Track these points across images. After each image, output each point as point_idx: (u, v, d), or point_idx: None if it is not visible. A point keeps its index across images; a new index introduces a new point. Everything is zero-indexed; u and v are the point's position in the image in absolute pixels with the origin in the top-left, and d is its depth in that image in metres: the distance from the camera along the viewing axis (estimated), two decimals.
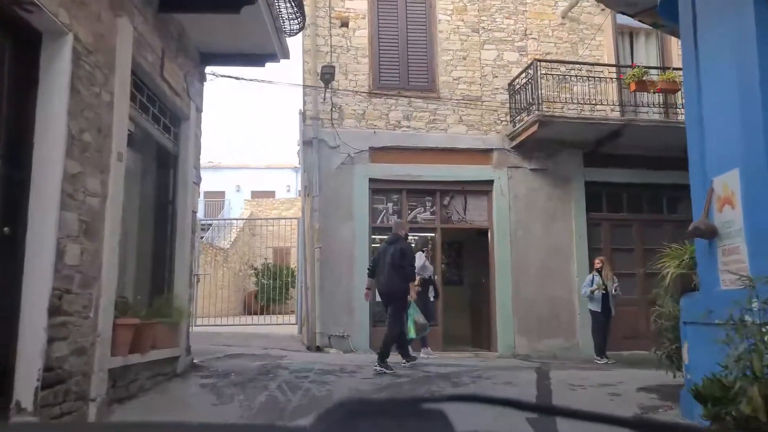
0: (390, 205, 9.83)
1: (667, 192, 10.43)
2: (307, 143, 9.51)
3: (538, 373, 6.89)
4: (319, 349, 9.05)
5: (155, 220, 6.06)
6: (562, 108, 9.23)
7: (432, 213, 9.88)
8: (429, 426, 0.57)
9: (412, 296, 7.25)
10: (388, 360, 6.64)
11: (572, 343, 9.58)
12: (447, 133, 9.88)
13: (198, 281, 10.56)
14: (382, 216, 9.79)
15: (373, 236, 9.67)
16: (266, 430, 0.93)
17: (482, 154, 9.89)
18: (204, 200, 28.33)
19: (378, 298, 7.65)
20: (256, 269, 22.25)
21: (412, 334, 7.18)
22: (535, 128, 9.04)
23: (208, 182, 30.01)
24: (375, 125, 9.72)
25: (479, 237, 10.45)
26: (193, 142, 6.40)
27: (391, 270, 6.87)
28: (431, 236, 9.93)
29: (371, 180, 9.61)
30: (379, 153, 9.66)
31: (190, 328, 6.64)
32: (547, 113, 9.04)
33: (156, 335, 5.45)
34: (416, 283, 7.74)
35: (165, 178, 6.16)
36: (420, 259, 8.31)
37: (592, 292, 8.71)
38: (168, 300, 5.75)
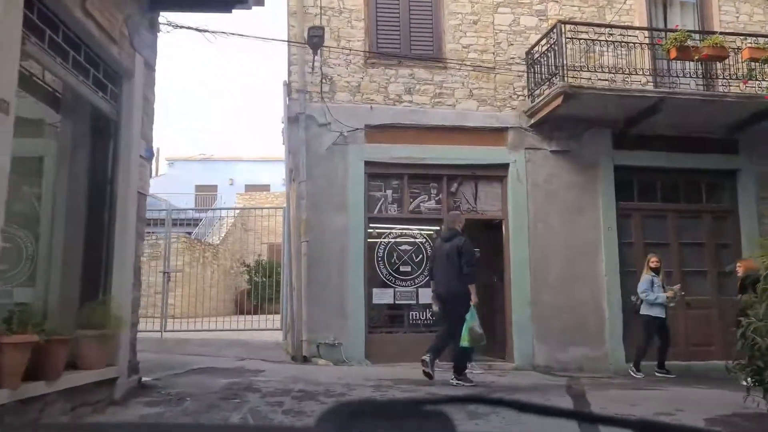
0: (389, 192, 8.51)
1: (708, 178, 9.11)
2: (292, 120, 8.19)
3: (571, 395, 5.57)
4: (306, 359, 7.74)
5: (88, 205, 4.76)
6: (589, 79, 7.89)
7: (437, 202, 8.56)
8: (430, 426, 0.60)
9: (474, 300, 6.19)
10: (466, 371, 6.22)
11: (600, 353, 8.26)
12: (455, 109, 8.55)
13: (169, 280, 9.25)
14: (380, 205, 8.46)
15: (370, 228, 8.36)
16: (270, 430, 0.97)
17: (496, 134, 8.56)
18: (195, 194, 27.13)
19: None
20: (248, 266, 20.99)
21: (465, 343, 6.16)
22: (558, 102, 7.71)
23: (200, 176, 28.79)
24: (371, 100, 8.39)
25: (489, 230, 9.13)
26: (141, 105, 5.08)
27: (448, 270, 6.14)
28: (435, 230, 8.60)
29: (367, 163, 8.29)
30: (377, 132, 8.34)
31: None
32: (573, 84, 7.71)
33: (80, 353, 4.15)
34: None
35: (102, 152, 4.85)
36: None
37: (671, 297, 7.67)
38: (101, 306, 4.44)
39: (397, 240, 8.45)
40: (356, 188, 8.19)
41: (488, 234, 11.40)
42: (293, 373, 6.50)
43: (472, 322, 6.14)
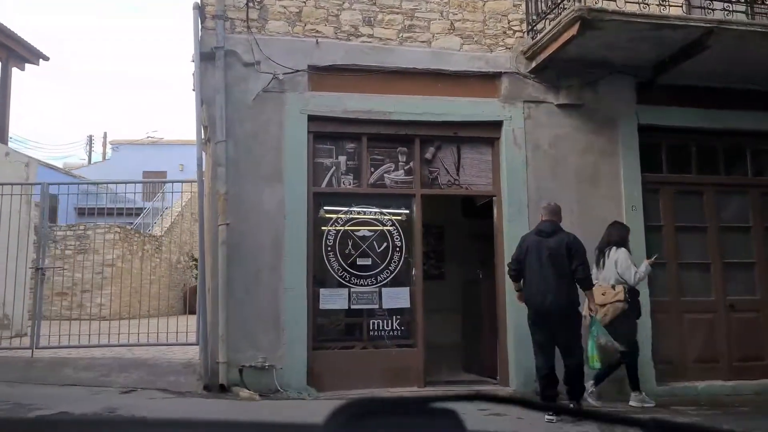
0: (342, 159, 6.31)
1: (754, 143, 7.10)
2: (206, 57, 5.92)
3: None
4: (223, 389, 5.53)
5: None
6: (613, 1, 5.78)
7: (408, 173, 6.39)
8: (439, 424, 0.58)
9: (593, 309, 5.15)
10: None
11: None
12: (431, 47, 6.37)
13: (44, 277, 6.90)
14: (329, 176, 6.26)
15: (318, 208, 6.17)
16: (278, 428, 0.77)
17: (485, 82, 6.43)
18: (143, 184, 24.45)
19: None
20: (197, 260, 18.60)
21: (597, 363, 5.15)
22: (573, 32, 5.59)
23: (148, 161, 26.11)
24: (318, 32, 6.17)
25: (475, 210, 7.01)
26: None
27: (555, 275, 4.97)
28: (404, 213, 6.43)
29: (312, 119, 6.09)
30: (325, 76, 6.13)
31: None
32: (594, 7, 5.61)
33: None
34: (619, 293, 5.54)
35: None
36: (625, 258, 5.66)
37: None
38: None
39: (354, 224, 6.27)
40: (296, 153, 5.98)
41: (462, 202, 9.31)
42: (193, 415, 4.26)
43: (598, 333, 5.08)
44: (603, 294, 5.53)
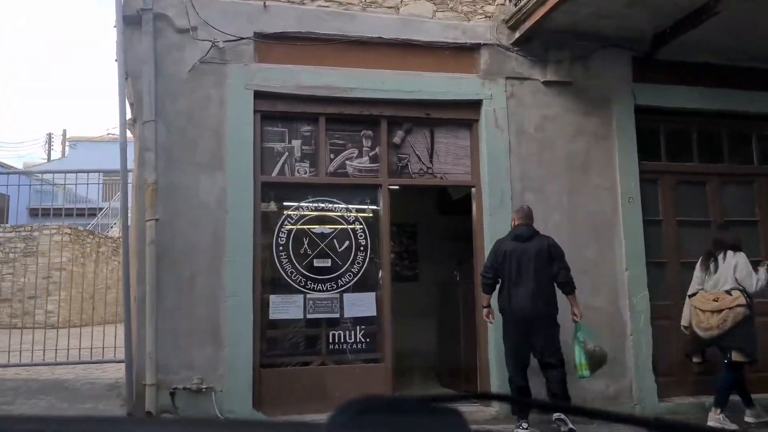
0: (297, 143, 5.41)
1: (760, 127, 6.37)
2: (131, 22, 4.97)
3: None
4: (150, 416, 4.58)
5: None
6: None
7: (373, 159, 5.52)
8: (443, 422, 0.57)
9: (577, 314, 4.75)
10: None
11: (620, 386, 5.41)
12: (399, 14, 5.51)
13: None
14: (281, 163, 5.35)
15: (265, 200, 5.27)
16: (281, 427, 0.85)
17: (461, 55, 5.59)
18: (101, 182, 23.17)
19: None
20: None
21: (584, 371, 4.66)
22: None
23: (107, 158, 24.75)
24: None
25: (451, 203, 6.19)
26: None
27: (537, 281, 4.64)
28: (370, 206, 5.56)
29: (260, 95, 5.18)
30: (274, 46, 5.23)
31: None
32: None
33: None
34: (739, 298, 4.86)
35: None
36: (745, 264, 5.00)
37: None
38: None
39: (311, 219, 5.38)
40: (240, 135, 5.07)
41: (437, 199, 8.56)
42: None
43: (587, 343, 4.63)
44: (715, 300, 4.91)
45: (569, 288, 4.67)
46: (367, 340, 5.32)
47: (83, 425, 0.66)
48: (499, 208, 5.41)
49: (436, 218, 9.67)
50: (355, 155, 5.49)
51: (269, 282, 5.19)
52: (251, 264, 4.95)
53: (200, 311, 4.80)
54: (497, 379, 5.20)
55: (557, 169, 5.60)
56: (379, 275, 5.40)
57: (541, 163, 5.57)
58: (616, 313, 5.51)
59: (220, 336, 4.80)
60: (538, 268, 4.61)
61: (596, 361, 4.68)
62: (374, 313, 5.34)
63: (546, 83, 5.65)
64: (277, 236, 5.24)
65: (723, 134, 6.24)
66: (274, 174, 5.29)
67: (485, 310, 4.91)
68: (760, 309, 5.81)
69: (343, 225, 5.40)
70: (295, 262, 5.24)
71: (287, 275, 5.21)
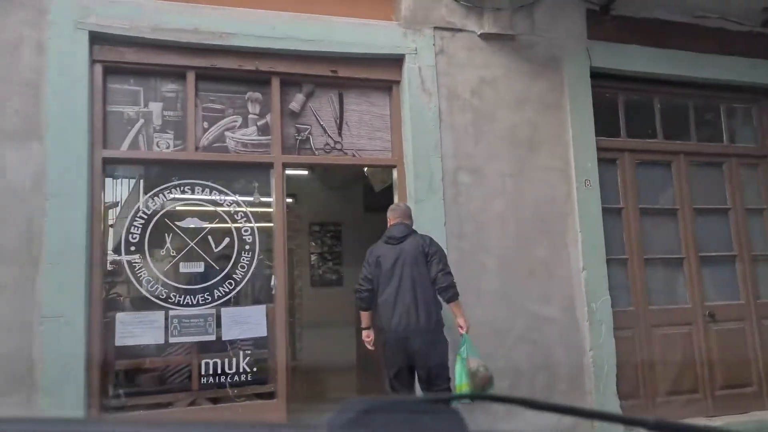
0: (157, 107, 4.01)
1: (730, 98, 5.46)
2: None
3: None
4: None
5: None
6: None
7: (262, 130, 4.20)
8: (443, 423, 0.57)
9: (463, 325, 3.70)
10: None
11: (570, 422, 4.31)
12: None
13: None
14: (134, 133, 3.94)
15: (113, 183, 3.86)
16: (283, 428, 0.85)
17: None
18: None
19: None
20: None
21: (464, 387, 3.61)
22: None
23: None
24: None
25: (366, 188, 4.97)
26: None
27: (413, 290, 3.66)
28: (258, 190, 4.24)
29: (99, 39, 3.78)
30: None
31: None
32: None
33: None
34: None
35: None
36: None
37: None
38: None
39: (176, 210, 4.00)
40: (69, 93, 3.64)
41: (363, 195, 7.42)
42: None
43: (471, 360, 3.64)
44: None
45: (451, 294, 3.68)
46: (255, 369, 4.00)
47: (83, 426, 0.66)
48: (427, 193, 4.21)
49: (363, 216, 8.49)
50: (237, 124, 4.15)
51: (114, 295, 3.80)
52: (84, 271, 3.54)
53: (3, 339, 3.35)
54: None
55: (499, 144, 4.46)
56: (272, 283, 4.10)
57: (479, 138, 4.42)
58: (572, 324, 4.42)
59: (34, 369, 3.37)
60: (415, 274, 3.69)
61: (478, 383, 3.76)
62: (264, 333, 4.03)
63: (484, 37, 4.49)
64: (128, 232, 3.84)
65: (690, 106, 5.28)
66: (123, 147, 3.88)
67: (364, 333, 3.90)
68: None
69: (222, 217, 4.06)
70: (153, 267, 3.85)
71: (141, 285, 3.82)
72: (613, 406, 4.37)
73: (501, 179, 4.42)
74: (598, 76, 4.80)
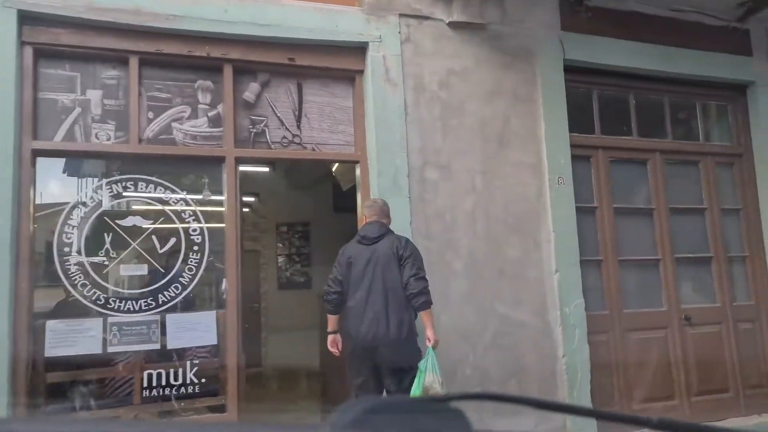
0: (96, 94, 3.67)
1: (705, 95, 5.30)
2: None
3: None
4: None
5: None
6: None
7: (214, 122, 3.89)
8: (447, 423, 0.57)
9: (430, 338, 3.34)
10: None
11: (552, 427, 4.07)
12: None
13: None
14: (70, 123, 3.60)
15: (44, 178, 3.51)
16: (284, 429, 0.74)
17: None
18: None
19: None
20: None
21: None
22: None
23: None
24: None
25: (326, 186, 4.70)
26: None
27: (384, 294, 3.35)
28: (208, 187, 3.93)
29: (28, 19, 3.44)
30: None
31: None
32: None
33: None
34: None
35: None
36: None
37: None
38: None
39: (117, 207, 3.67)
40: None
41: (333, 194, 7.17)
42: None
43: (428, 375, 3.27)
44: None
45: (422, 302, 3.33)
46: (203, 380, 3.68)
47: (82, 426, 0.65)
48: (391, 190, 3.94)
49: (332, 216, 8.21)
50: (186, 115, 3.83)
51: (45, 300, 3.44)
52: (9, 273, 3.19)
53: None
54: None
55: (468, 139, 4.21)
56: (223, 287, 3.79)
57: (447, 132, 4.17)
58: (544, 329, 4.20)
59: None
60: (387, 278, 3.37)
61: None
62: (214, 341, 3.72)
63: (452, 25, 4.25)
64: (61, 231, 3.49)
65: (665, 103, 5.11)
66: (57, 138, 3.53)
67: (330, 338, 3.60)
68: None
69: (168, 215, 3.73)
70: (89, 270, 3.51)
71: (76, 289, 3.47)
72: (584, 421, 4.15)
73: (470, 176, 4.18)
74: (571, 69, 4.60)
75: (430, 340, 3.34)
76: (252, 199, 8.17)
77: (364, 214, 3.66)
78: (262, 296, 9.04)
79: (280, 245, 8.96)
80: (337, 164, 4.75)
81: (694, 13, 4.96)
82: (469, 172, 4.18)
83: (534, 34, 4.46)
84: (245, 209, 8.38)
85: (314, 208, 8.62)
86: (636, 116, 4.97)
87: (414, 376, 3.30)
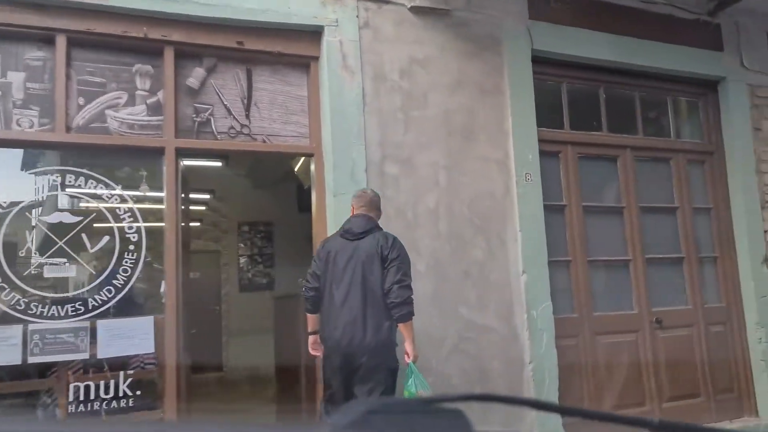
0: (18, 77, 3.32)
1: (675, 91, 5.15)
2: None
3: None
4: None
5: None
6: None
7: (153, 110, 3.56)
8: (447, 424, 0.57)
9: (410, 353, 3.07)
10: None
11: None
12: None
13: None
14: None
15: None
16: (285, 428, 0.75)
17: None
18: None
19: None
20: None
21: None
22: None
23: None
24: None
25: (279, 180, 4.43)
26: None
27: (364, 297, 3.04)
28: (147, 188, 3.60)
29: None
30: None
31: None
32: None
33: None
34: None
35: None
36: None
37: None
38: None
39: (42, 202, 3.32)
40: None
41: (297, 193, 6.90)
42: None
43: (418, 389, 2.99)
44: None
45: (403, 313, 3.02)
46: (138, 392, 3.35)
47: (82, 426, 0.63)
48: (348, 185, 3.66)
49: (297, 215, 7.91)
50: (122, 102, 3.50)
51: None
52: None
53: None
54: None
55: (431, 132, 3.96)
56: (162, 289, 3.46)
57: (409, 124, 3.91)
58: (510, 334, 3.96)
59: None
60: (368, 278, 3.06)
61: None
62: (152, 349, 3.39)
63: (414, 10, 3.99)
64: None
65: (636, 98, 4.94)
66: None
67: (310, 339, 3.28)
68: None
69: (100, 211, 3.39)
70: (8, 271, 3.16)
71: None
72: (555, 422, 3.93)
73: (433, 171, 3.93)
74: (540, 61, 4.38)
75: (409, 356, 3.04)
76: (207, 196, 7.80)
77: (351, 204, 3.33)
78: (223, 298, 8.69)
79: (242, 245, 8.62)
80: (300, 162, 4.46)
81: (665, 5, 4.80)
82: (432, 167, 3.92)
83: (501, 22, 4.23)
84: (202, 207, 8.02)
85: (278, 208, 8.32)
86: (606, 111, 4.78)
87: (386, 388, 3.00)
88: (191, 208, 8.01)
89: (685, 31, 4.91)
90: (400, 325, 3.04)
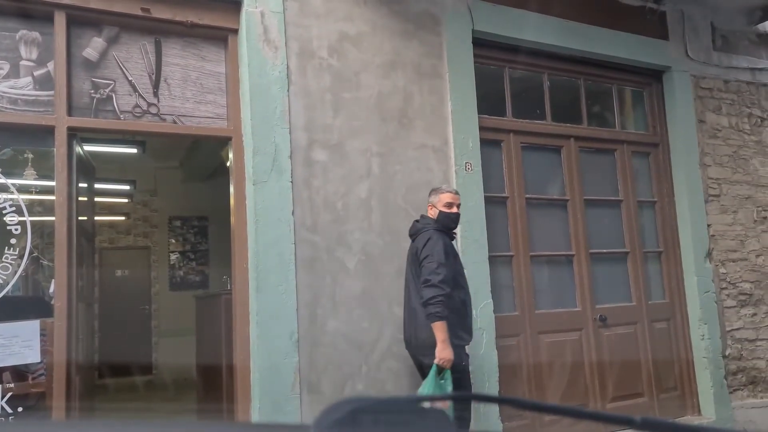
0: None
1: (620, 80, 4.99)
2: None
3: None
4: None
5: None
6: None
7: (41, 83, 3.10)
8: (430, 423, 0.57)
9: (436, 355, 2.94)
10: None
11: None
12: None
13: None
14: None
15: None
16: (269, 429, 0.83)
17: None
18: None
19: None
20: None
21: None
22: None
23: None
24: None
25: (202, 172, 4.05)
26: None
27: (410, 296, 3.22)
28: (32, 174, 3.14)
29: None
30: None
31: None
32: None
33: None
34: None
35: None
36: None
37: None
38: None
39: None
40: None
41: (225, 186, 6.49)
42: None
43: (432, 391, 2.88)
44: None
45: (427, 313, 3.00)
46: (21, 408, 2.91)
47: (81, 427, 0.63)
48: (269, 173, 3.30)
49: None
50: (4, 73, 3.03)
51: None
52: None
53: None
54: (260, 414, 3.12)
55: (364, 116, 3.63)
56: (51, 290, 3.02)
57: (339, 107, 3.57)
58: None
59: None
60: (410, 281, 3.24)
61: None
62: (37, 358, 2.95)
63: None
64: None
65: (581, 86, 4.75)
66: None
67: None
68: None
69: None
70: None
71: None
72: (495, 426, 3.69)
73: (366, 158, 3.60)
74: (481, 44, 4.12)
75: (440, 359, 2.94)
76: (127, 187, 7.25)
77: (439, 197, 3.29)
78: (153, 297, 8.16)
79: (173, 241, 8.10)
80: (231, 154, 4.04)
81: None
82: (365, 154, 3.60)
83: (440, 0, 3.94)
84: (125, 200, 7.47)
85: (213, 201, 7.83)
86: (550, 99, 4.57)
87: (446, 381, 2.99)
88: (113, 200, 7.46)
89: (630, 18, 4.76)
90: (435, 325, 2.97)
